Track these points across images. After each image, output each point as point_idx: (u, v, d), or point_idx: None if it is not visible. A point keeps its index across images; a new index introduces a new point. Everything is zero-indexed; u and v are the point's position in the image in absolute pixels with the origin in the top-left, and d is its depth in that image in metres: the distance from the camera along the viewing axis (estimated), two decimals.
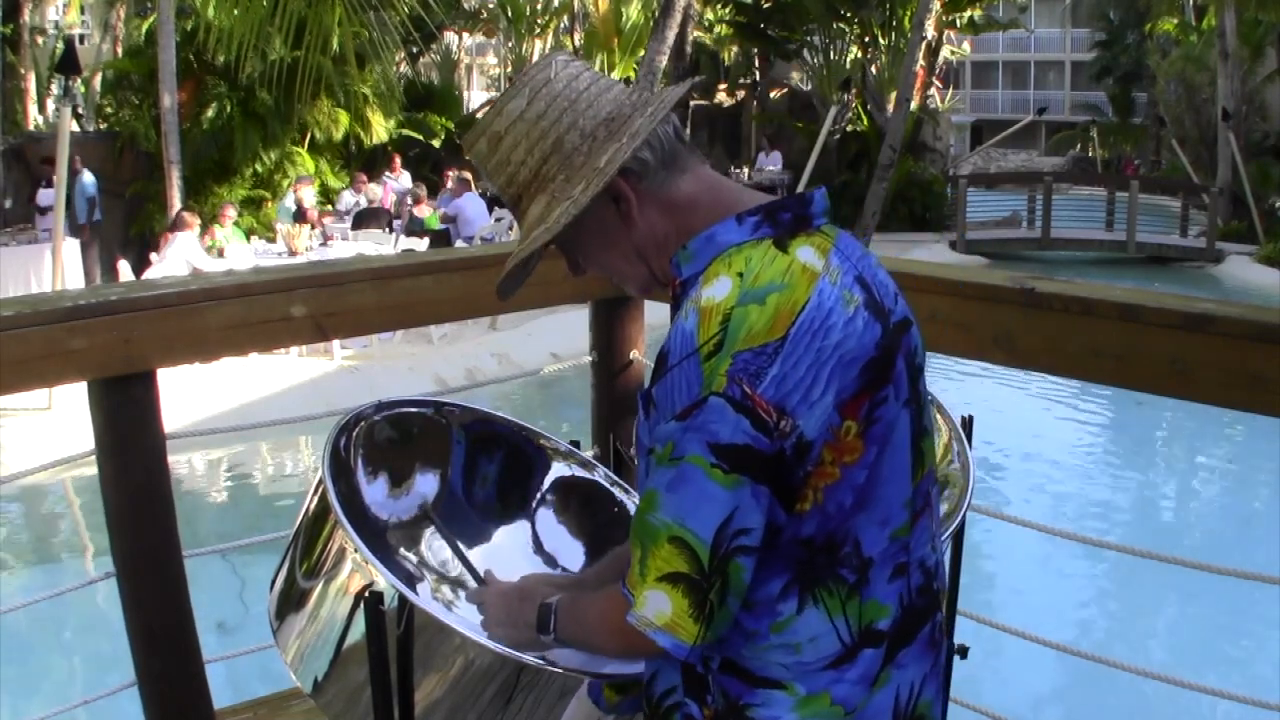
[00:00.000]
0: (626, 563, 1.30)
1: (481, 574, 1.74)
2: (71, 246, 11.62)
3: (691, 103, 23.67)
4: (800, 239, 1.29)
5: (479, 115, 28.62)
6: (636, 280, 1.41)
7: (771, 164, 21.40)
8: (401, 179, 16.60)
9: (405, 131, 18.70)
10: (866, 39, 23.12)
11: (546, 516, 1.97)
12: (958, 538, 2.07)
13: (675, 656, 1.26)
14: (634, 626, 1.25)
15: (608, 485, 2.03)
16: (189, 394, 7.69)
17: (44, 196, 14.32)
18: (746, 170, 21.04)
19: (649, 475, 1.27)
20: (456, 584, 1.86)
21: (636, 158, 1.30)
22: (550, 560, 1.93)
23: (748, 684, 1.30)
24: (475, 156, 1.37)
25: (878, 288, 1.32)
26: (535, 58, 25.35)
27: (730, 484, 1.21)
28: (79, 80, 14.81)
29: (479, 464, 1.98)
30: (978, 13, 24.14)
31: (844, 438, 1.24)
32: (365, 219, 13.92)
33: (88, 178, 14.45)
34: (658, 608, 1.24)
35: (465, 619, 1.69)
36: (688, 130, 22.71)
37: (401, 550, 1.85)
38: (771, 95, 25.04)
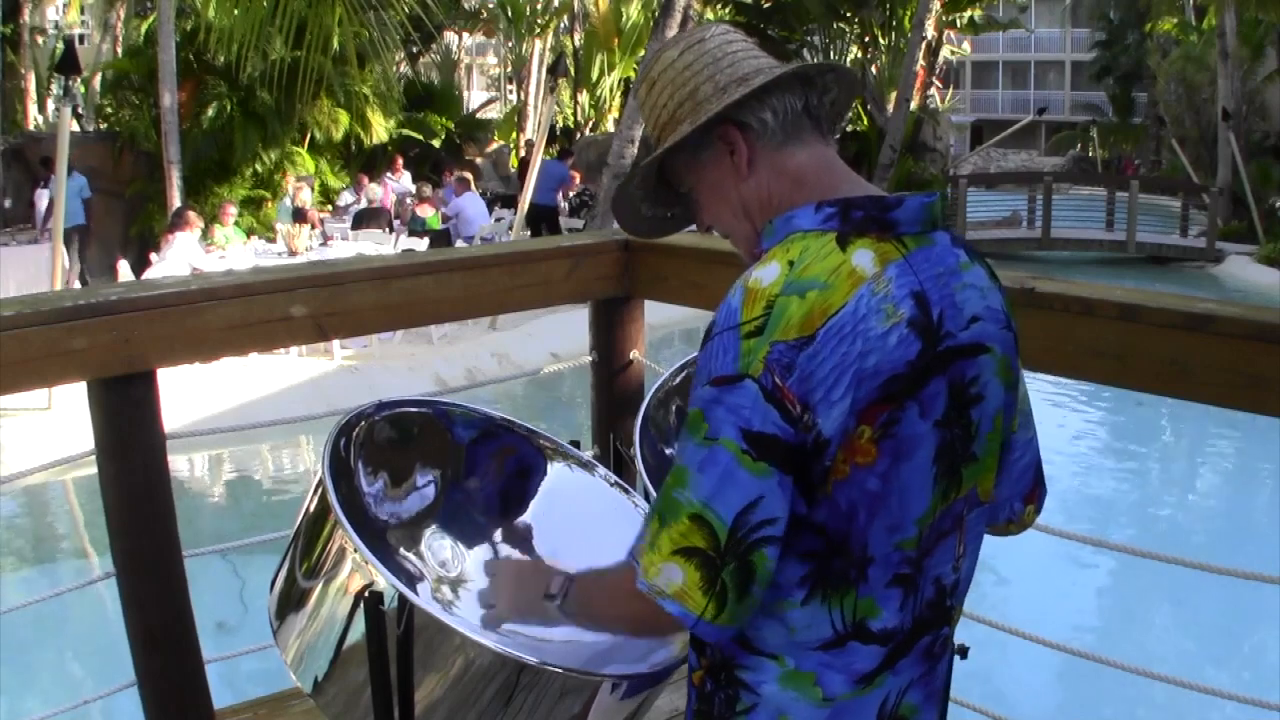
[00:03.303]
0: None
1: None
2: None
3: None
4: (864, 241, 1.30)
5: (479, 115, 28.37)
6: (745, 240, 1.45)
7: None
8: (403, 179, 16.62)
9: (405, 131, 18.72)
10: (866, 39, 23.14)
11: (546, 516, 1.97)
12: None
13: (684, 625, 1.30)
14: (644, 594, 1.29)
15: (607, 485, 2.03)
16: (189, 394, 7.69)
17: (41, 197, 14.31)
18: None
19: (679, 445, 1.31)
20: (456, 584, 1.86)
21: (757, 116, 1.37)
22: (549, 560, 1.93)
23: (743, 649, 1.36)
24: (635, 99, 1.58)
25: (946, 309, 1.32)
26: (535, 58, 25.38)
27: (758, 472, 1.24)
28: (79, 80, 14.75)
29: (479, 464, 1.98)
30: (978, 13, 24.18)
31: (857, 440, 1.26)
32: (365, 219, 13.91)
33: (78, 178, 13.91)
34: (669, 577, 1.27)
35: (465, 619, 1.69)
36: None
37: (401, 550, 1.85)
38: None
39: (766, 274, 1.28)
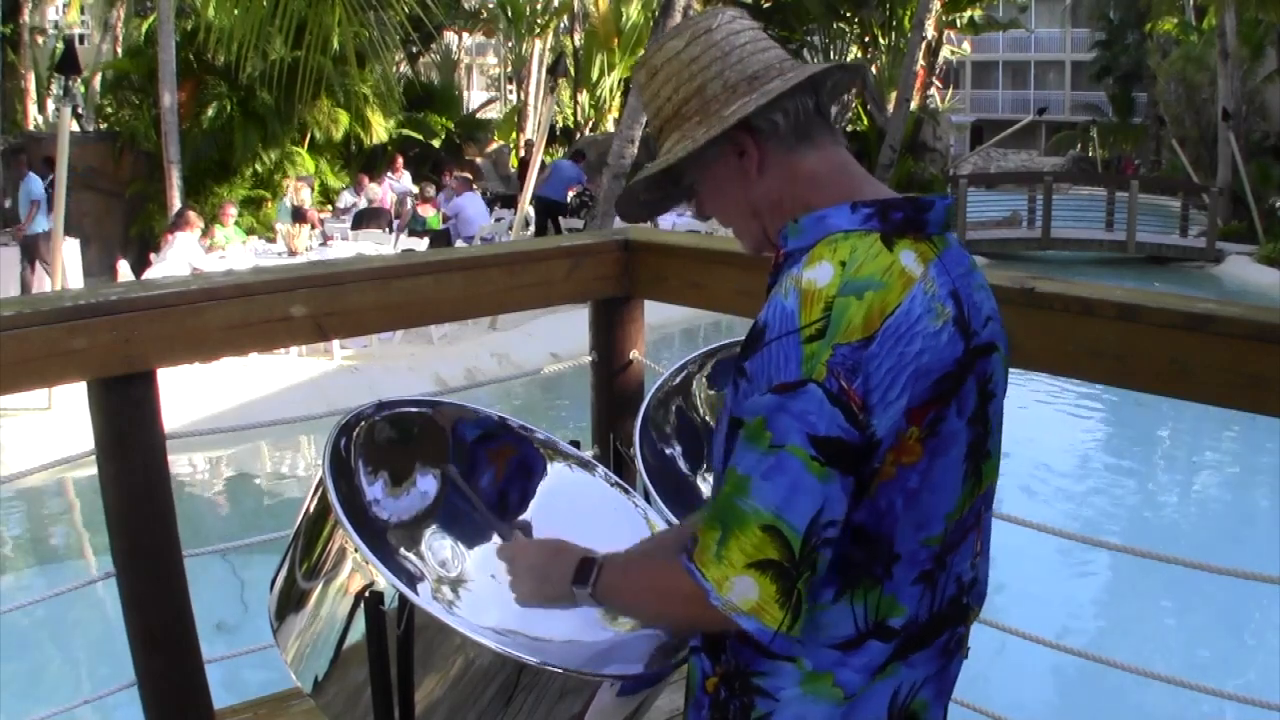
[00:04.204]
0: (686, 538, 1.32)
1: (510, 534, 1.71)
2: (72, 246, 11.55)
3: None
4: (906, 241, 1.30)
5: (479, 115, 28.31)
6: (751, 237, 1.44)
7: None
8: (403, 179, 16.62)
9: (405, 131, 18.72)
10: (866, 39, 23.13)
11: (546, 516, 1.97)
12: None
13: (759, 641, 1.28)
14: (719, 610, 1.26)
15: (607, 485, 2.03)
16: (189, 394, 7.68)
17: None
18: None
19: (737, 453, 1.28)
20: (457, 584, 1.86)
21: (767, 118, 1.34)
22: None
23: (760, 653, 1.34)
24: (635, 85, 1.45)
25: (970, 308, 1.33)
26: (535, 58, 25.37)
27: (824, 477, 1.23)
28: (79, 80, 14.74)
29: (479, 464, 1.98)
30: (978, 13, 24.19)
31: (906, 440, 1.27)
32: (365, 219, 13.92)
33: (34, 180, 12.89)
34: (744, 593, 1.25)
35: (465, 619, 1.69)
36: None
37: (401, 550, 1.85)
38: None
39: (820, 275, 1.26)
